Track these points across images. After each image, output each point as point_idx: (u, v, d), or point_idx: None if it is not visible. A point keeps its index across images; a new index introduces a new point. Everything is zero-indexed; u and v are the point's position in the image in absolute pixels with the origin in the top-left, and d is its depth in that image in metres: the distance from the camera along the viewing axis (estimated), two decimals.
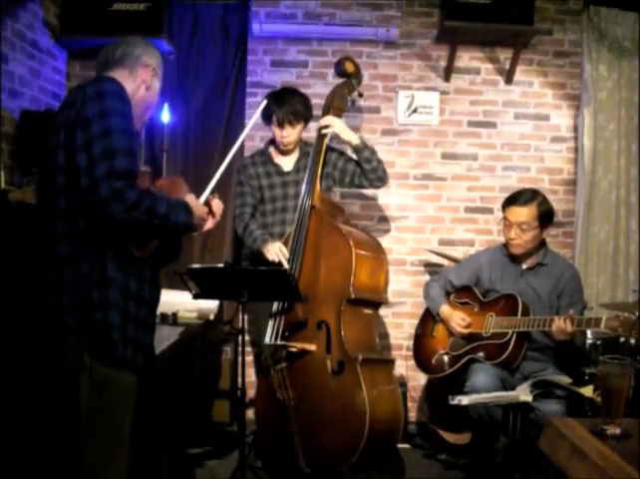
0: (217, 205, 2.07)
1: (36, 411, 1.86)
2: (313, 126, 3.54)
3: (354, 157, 3.38)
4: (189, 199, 1.93)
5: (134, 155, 1.75)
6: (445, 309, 3.22)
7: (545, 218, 3.03)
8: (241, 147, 4.17)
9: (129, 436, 1.85)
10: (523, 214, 3.00)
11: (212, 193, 2.06)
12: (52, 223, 1.80)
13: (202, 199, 2.01)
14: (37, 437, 1.85)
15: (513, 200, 3.05)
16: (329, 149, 3.38)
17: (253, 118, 2.46)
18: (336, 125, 3.32)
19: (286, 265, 3.08)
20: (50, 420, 1.81)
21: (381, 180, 3.37)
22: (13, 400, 2.12)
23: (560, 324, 2.78)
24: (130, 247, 1.78)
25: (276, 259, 3.12)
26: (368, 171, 3.32)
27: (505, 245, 3.14)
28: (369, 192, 4.11)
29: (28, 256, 1.92)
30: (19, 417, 2.04)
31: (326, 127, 3.31)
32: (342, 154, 3.42)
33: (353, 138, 3.32)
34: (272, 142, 3.42)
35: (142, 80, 1.96)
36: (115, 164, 1.68)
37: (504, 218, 3.07)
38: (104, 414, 1.78)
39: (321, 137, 3.32)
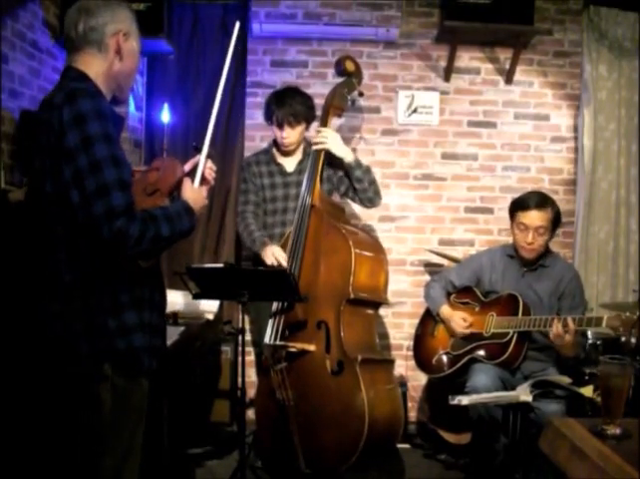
0: (210, 172, 1.98)
1: (51, 422, 1.84)
2: (315, 126, 3.53)
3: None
4: (186, 191, 1.87)
5: (127, 185, 1.66)
6: (445, 310, 3.22)
7: (558, 220, 3.05)
8: (242, 147, 4.18)
9: (142, 438, 1.85)
10: (541, 218, 2.98)
11: (206, 157, 1.96)
12: (51, 251, 1.74)
13: (197, 181, 1.92)
14: (54, 446, 1.84)
15: (528, 204, 3.01)
16: (333, 155, 3.34)
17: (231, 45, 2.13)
18: (330, 141, 3.25)
19: (285, 266, 3.07)
20: (69, 432, 1.80)
21: (371, 201, 3.31)
22: (25, 410, 2.12)
23: (559, 328, 2.78)
24: (136, 262, 1.74)
25: (275, 264, 3.11)
26: (358, 190, 3.27)
27: (515, 248, 3.12)
28: None
29: (28, 256, 1.90)
30: (32, 429, 2.04)
31: (319, 142, 3.25)
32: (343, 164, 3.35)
33: (346, 155, 3.26)
34: (275, 142, 3.42)
35: (114, 51, 1.81)
36: (112, 202, 1.60)
37: (519, 223, 3.03)
38: (124, 421, 1.78)
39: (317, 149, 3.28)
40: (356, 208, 4.15)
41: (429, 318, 3.37)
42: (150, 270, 1.82)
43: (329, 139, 3.26)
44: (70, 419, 1.77)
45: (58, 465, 1.82)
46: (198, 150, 1.97)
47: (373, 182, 3.29)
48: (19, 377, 2.18)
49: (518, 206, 3.06)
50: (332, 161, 3.33)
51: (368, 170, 3.30)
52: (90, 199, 1.62)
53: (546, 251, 3.12)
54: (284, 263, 3.09)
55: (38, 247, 1.80)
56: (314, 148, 3.27)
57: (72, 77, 1.78)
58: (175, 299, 3.41)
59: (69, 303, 1.72)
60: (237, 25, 2.17)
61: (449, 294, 3.29)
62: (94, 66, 1.80)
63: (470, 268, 3.28)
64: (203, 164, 1.95)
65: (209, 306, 3.54)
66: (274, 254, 3.13)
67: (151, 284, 1.83)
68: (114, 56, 1.82)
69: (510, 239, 3.21)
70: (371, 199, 3.31)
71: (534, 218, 2.99)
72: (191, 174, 1.95)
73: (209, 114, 2.08)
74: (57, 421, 1.79)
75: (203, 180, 1.96)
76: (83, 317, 1.71)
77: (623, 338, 3.28)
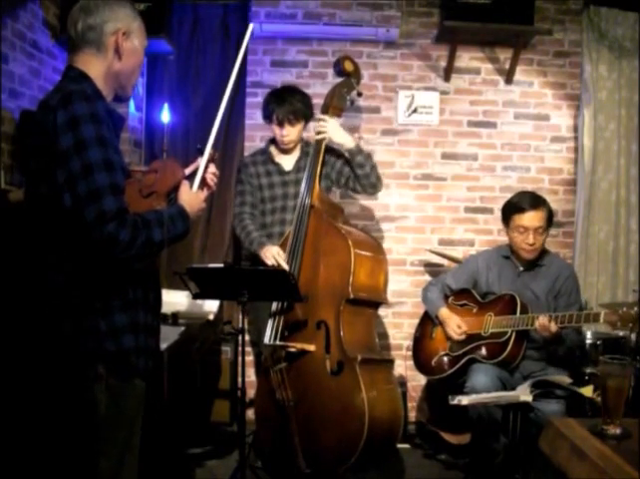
0: (211, 176, 1.96)
1: (47, 423, 1.84)
2: (313, 125, 3.53)
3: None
4: (183, 194, 1.85)
5: (120, 189, 1.66)
6: (443, 312, 3.21)
7: (552, 218, 3.08)
8: (242, 147, 4.19)
9: (139, 439, 1.85)
10: (539, 217, 3.00)
11: (208, 162, 1.94)
12: (44, 252, 1.74)
13: (195, 185, 1.90)
14: (50, 446, 1.84)
15: (524, 206, 3.01)
16: (329, 149, 3.35)
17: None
18: (330, 129, 3.26)
19: (285, 268, 3.07)
20: (64, 433, 1.79)
21: (373, 186, 3.32)
22: (21, 410, 2.12)
23: (544, 322, 2.79)
24: (128, 263, 1.74)
25: (275, 264, 3.11)
26: (360, 176, 3.27)
27: (511, 249, 3.13)
28: None
29: (28, 257, 1.90)
30: (28, 429, 2.04)
31: (320, 132, 3.28)
32: (341, 155, 3.38)
33: (347, 141, 3.28)
34: (273, 141, 3.41)
35: (113, 50, 1.78)
36: (103, 206, 1.60)
37: (517, 226, 3.02)
38: (120, 422, 1.78)
39: (318, 139, 3.30)
40: (356, 208, 4.16)
41: (427, 321, 3.37)
42: (144, 271, 1.82)
43: (329, 126, 3.27)
44: (65, 420, 1.76)
45: (54, 465, 1.81)
46: (201, 152, 1.94)
47: (374, 167, 3.30)
48: (14, 377, 2.17)
49: (513, 209, 3.06)
50: (329, 156, 3.34)
51: (369, 155, 3.32)
52: (81, 202, 1.61)
53: (543, 251, 3.12)
54: (284, 264, 3.10)
55: (32, 248, 1.79)
56: (316, 137, 3.28)
57: (71, 77, 1.77)
58: (176, 299, 3.41)
59: (60, 305, 1.72)
60: (251, 26, 2.18)
61: (446, 297, 3.30)
62: (94, 66, 1.78)
63: (466, 271, 3.28)
64: (204, 167, 1.93)
65: (209, 306, 3.55)
66: (274, 256, 3.13)
67: (145, 285, 1.83)
68: (113, 55, 1.80)
69: None
70: (373, 184, 3.31)
71: (533, 219, 3.00)
72: (192, 177, 1.93)
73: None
74: (53, 422, 1.79)
75: (204, 183, 1.94)
76: (74, 319, 1.71)
77: (621, 333, 3.29)
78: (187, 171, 1.96)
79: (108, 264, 1.70)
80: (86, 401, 1.73)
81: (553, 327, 2.80)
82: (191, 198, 1.87)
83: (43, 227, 1.75)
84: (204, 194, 1.95)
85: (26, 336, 1.84)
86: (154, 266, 1.91)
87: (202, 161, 1.93)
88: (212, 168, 1.97)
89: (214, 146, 1.98)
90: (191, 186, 1.90)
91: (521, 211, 3.02)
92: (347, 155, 3.31)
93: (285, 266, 3.08)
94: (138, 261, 1.73)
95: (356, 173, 3.28)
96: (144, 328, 1.80)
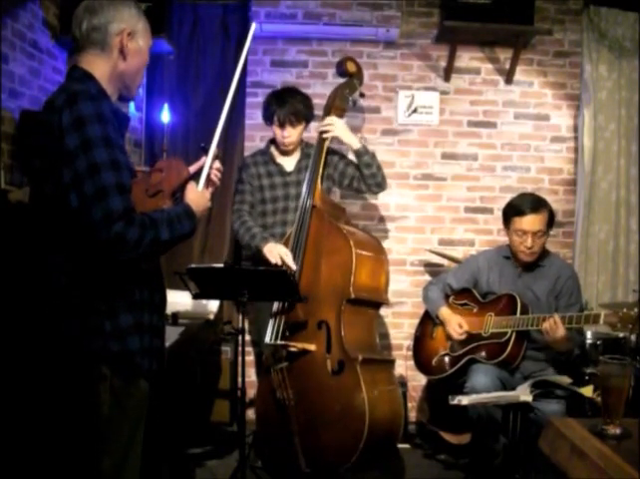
0: (216, 172, 1.96)
1: (51, 422, 1.84)
2: (314, 126, 3.54)
3: (355, 160, 3.35)
4: (189, 193, 1.86)
5: (126, 188, 1.66)
6: (444, 311, 3.22)
7: (552, 220, 3.06)
8: (242, 147, 4.19)
9: (142, 438, 1.85)
10: (539, 221, 2.98)
11: (213, 160, 1.93)
12: (49, 253, 1.73)
13: (201, 183, 1.89)
14: (54, 445, 1.84)
15: (524, 209, 3.00)
16: (331, 150, 3.36)
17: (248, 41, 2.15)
18: (337, 128, 3.28)
19: (294, 267, 3.06)
20: (68, 432, 1.79)
21: (379, 186, 3.34)
22: (25, 409, 2.12)
23: (551, 324, 2.79)
24: (135, 263, 1.74)
25: (279, 263, 3.10)
26: (367, 176, 3.29)
27: (511, 250, 3.12)
28: None
29: (28, 257, 1.90)
30: (32, 428, 2.04)
31: (327, 130, 3.28)
32: (343, 156, 3.40)
33: (354, 141, 3.28)
34: (273, 141, 3.41)
35: (117, 51, 1.78)
36: (110, 206, 1.60)
37: (517, 229, 3.01)
38: (123, 421, 1.78)
39: (322, 138, 3.30)
40: (356, 208, 4.16)
41: (428, 320, 3.37)
42: (150, 271, 1.81)
43: (336, 126, 3.28)
44: (69, 419, 1.76)
45: (58, 464, 1.81)
46: (206, 151, 1.94)
47: (380, 166, 3.32)
48: (19, 377, 2.18)
49: (514, 212, 3.04)
50: (331, 157, 3.34)
51: (374, 155, 3.33)
52: (88, 202, 1.61)
53: (543, 252, 3.12)
54: (291, 264, 3.08)
55: (37, 249, 1.79)
56: (324, 136, 3.28)
57: (76, 77, 1.77)
58: (176, 299, 3.41)
59: (65, 305, 1.71)
60: (253, 26, 2.19)
61: (447, 297, 3.30)
62: (98, 66, 1.78)
63: (467, 271, 3.28)
64: (209, 165, 1.93)
65: (209, 306, 3.55)
66: (280, 254, 3.11)
67: (151, 286, 1.82)
68: (118, 56, 1.79)
69: None
70: (379, 183, 3.33)
71: (532, 222, 2.98)
72: (197, 175, 1.93)
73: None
74: (56, 421, 1.79)
75: (209, 181, 1.94)
76: (76, 319, 1.70)
77: (621, 334, 3.28)
78: (192, 169, 1.96)
79: (113, 264, 1.69)
80: (90, 401, 1.73)
81: (562, 330, 2.79)
82: (198, 196, 1.87)
83: (46, 226, 1.74)
84: (210, 192, 1.95)
85: (30, 336, 1.84)
86: (159, 267, 1.91)
87: (208, 159, 1.93)
88: (217, 164, 1.97)
89: (217, 144, 1.98)
90: (197, 184, 1.91)
91: (521, 214, 3.00)
92: (353, 155, 3.32)
93: (293, 266, 3.06)
94: (143, 261, 1.73)
95: (362, 172, 3.29)
96: (149, 329, 1.80)
